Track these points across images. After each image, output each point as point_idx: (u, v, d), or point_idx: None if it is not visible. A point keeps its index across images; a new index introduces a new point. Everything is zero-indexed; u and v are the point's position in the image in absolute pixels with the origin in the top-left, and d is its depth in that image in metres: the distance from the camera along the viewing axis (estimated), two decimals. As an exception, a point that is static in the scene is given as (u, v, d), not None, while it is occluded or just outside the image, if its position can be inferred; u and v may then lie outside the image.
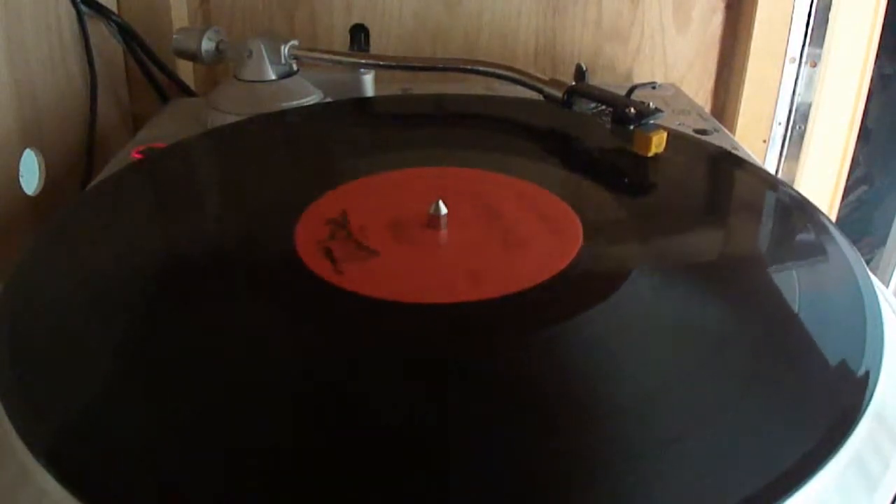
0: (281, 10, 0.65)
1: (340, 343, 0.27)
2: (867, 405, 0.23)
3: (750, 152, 0.47)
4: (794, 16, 0.63)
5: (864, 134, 0.75)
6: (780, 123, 0.67)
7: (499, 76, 0.50)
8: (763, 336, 0.27)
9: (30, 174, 0.48)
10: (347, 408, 0.23)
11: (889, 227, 0.80)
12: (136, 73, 0.61)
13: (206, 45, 0.52)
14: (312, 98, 0.51)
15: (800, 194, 0.37)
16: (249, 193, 0.38)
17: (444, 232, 0.33)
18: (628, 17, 0.66)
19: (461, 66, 0.51)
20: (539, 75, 0.48)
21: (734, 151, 0.45)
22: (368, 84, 0.54)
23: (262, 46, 0.51)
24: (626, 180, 0.39)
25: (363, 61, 0.52)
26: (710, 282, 0.31)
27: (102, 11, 0.57)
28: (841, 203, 0.71)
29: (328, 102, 0.52)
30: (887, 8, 0.63)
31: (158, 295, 0.30)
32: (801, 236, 0.35)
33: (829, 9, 0.63)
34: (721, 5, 0.66)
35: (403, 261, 0.31)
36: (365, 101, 0.53)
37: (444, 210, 0.33)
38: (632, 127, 0.40)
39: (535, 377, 0.25)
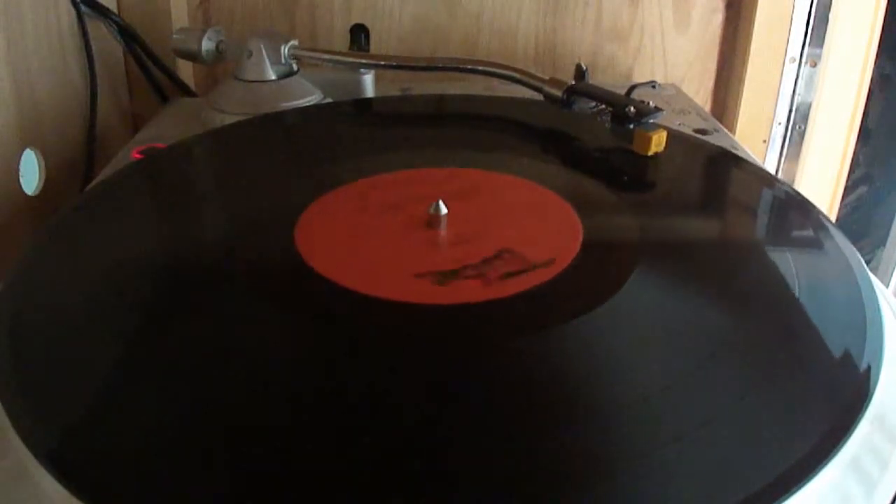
0: (281, 10, 0.65)
1: (341, 342, 0.27)
2: (867, 406, 0.23)
3: (750, 152, 0.47)
4: (794, 16, 0.63)
5: (864, 134, 0.75)
6: (780, 123, 0.67)
7: (499, 76, 0.50)
8: (762, 336, 0.27)
9: (30, 174, 0.48)
10: (348, 407, 0.23)
11: (889, 227, 0.80)
12: (136, 73, 0.61)
13: (206, 45, 0.52)
14: (312, 98, 0.51)
15: (800, 194, 0.37)
16: (249, 194, 0.38)
17: (444, 232, 0.33)
18: (628, 17, 0.66)
19: (461, 66, 0.51)
20: (539, 75, 0.48)
21: (734, 151, 0.45)
22: (368, 84, 0.54)
23: (262, 46, 0.51)
24: (625, 179, 0.39)
25: (363, 61, 0.52)
26: (710, 282, 0.31)
27: (102, 11, 0.57)
28: (841, 203, 0.71)
29: (328, 102, 0.52)
30: (887, 8, 0.63)
31: (158, 295, 0.30)
32: (801, 236, 0.35)
33: (829, 9, 0.63)
34: (721, 5, 0.66)
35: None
36: (365, 102, 0.53)
37: (444, 210, 0.33)
38: (631, 126, 0.40)
39: (534, 377, 0.25)
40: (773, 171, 0.67)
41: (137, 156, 0.43)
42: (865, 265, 0.31)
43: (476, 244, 0.31)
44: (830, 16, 0.63)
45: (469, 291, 0.28)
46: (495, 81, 0.51)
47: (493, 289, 0.28)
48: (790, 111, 0.67)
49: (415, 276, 0.29)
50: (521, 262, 0.29)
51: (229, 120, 0.48)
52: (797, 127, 0.67)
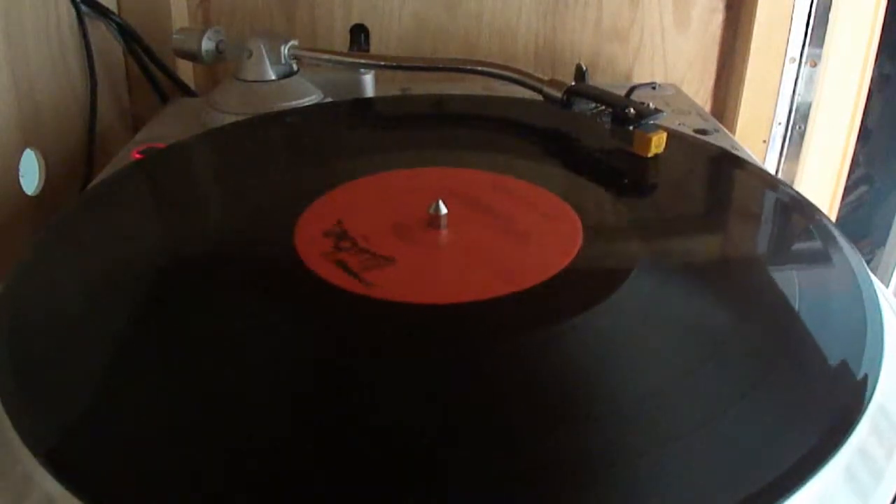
0: (281, 10, 0.65)
1: (340, 343, 0.27)
2: (867, 405, 0.23)
3: (750, 152, 0.47)
4: (794, 16, 0.63)
5: (864, 134, 0.75)
6: (780, 123, 0.67)
7: (499, 76, 0.50)
8: (763, 336, 0.27)
9: (30, 174, 0.48)
10: (347, 408, 0.23)
11: (889, 227, 0.80)
12: (136, 73, 0.61)
13: (206, 45, 0.52)
14: (312, 98, 0.51)
15: (800, 194, 0.37)
16: (249, 194, 0.38)
17: (444, 232, 0.33)
18: (628, 17, 0.66)
19: (461, 66, 0.51)
20: (539, 75, 0.48)
21: (734, 151, 0.45)
22: (368, 84, 0.54)
23: (262, 46, 0.51)
24: (625, 181, 0.39)
25: (363, 61, 0.52)
26: (711, 282, 0.31)
27: (102, 11, 0.57)
28: (841, 203, 0.71)
29: (328, 102, 0.52)
30: (887, 8, 0.63)
31: (158, 295, 0.30)
32: (802, 237, 0.35)
33: (829, 9, 0.63)
34: (721, 5, 0.66)
35: (404, 260, 0.31)
36: (365, 102, 0.53)
37: (444, 210, 0.33)
38: (631, 127, 0.40)
39: (534, 377, 0.25)
40: (773, 171, 0.67)
41: (137, 156, 0.43)
42: (866, 265, 0.31)
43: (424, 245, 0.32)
44: (830, 16, 0.63)
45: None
46: (495, 82, 0.51)
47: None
48: (790, 111, 0.67)
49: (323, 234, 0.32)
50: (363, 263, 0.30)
51: (229, 120, 0.48)
52: (797, 127, 0.67)
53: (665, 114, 0.42)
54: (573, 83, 0.46)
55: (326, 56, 0.52)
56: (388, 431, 0.22)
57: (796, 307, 0.28)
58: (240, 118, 0.48)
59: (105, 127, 0.57)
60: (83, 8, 0.54)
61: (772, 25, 0.63)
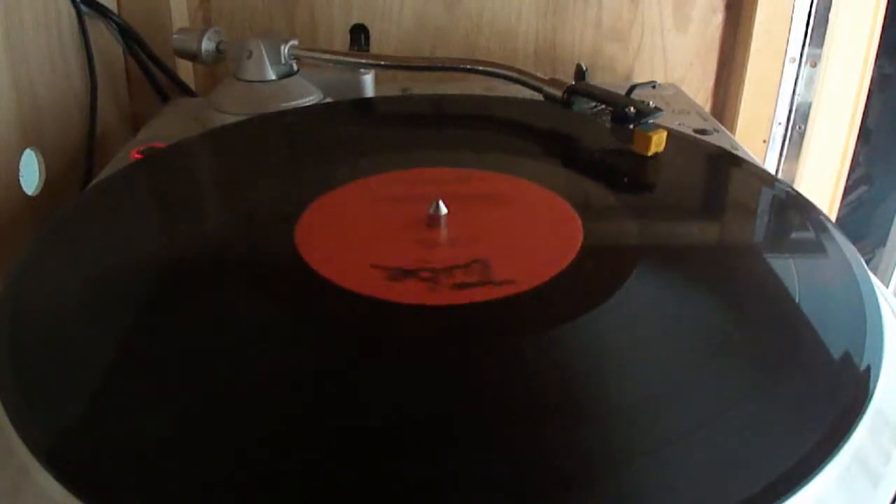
0: (281, 10, 0.65)
1: (341, 343, 0.27)
2: (867, 405, 0.23)
3: (750, 152, 0.47)
4: (794, 16, 0.63)
5: (864, 134, 0.75)
6: (780, 123, 0.67)
7: (499, 76, 0.50)
8: (763, 336, 0.27)
9: (30, 174, 0.48)
10: (347, 407, 0.23)
11: (889, 227, 0.80)
12: (136, 73, 0.61)
13: (206, 45, 0.52)
14: (312, 98, 0.51)
15: (800, 194, 0.37)
16: (249, 193, 0.38)
17: (444, 232, 0.33)
18: (628, 17, 0.66)
19: (461, 66, 0.51)
20: (539, 75, 0.48)
21: (734, 151, 0.45)
22: (368, 84, 0.54)
23: (262, 46, 0.51)
24: (625, 180, 0.39)
25: (363, 61, 0.52)
26: (710, 282, 0.31)
27: (102, 11, 0.57)
28: (841, 203, 0.71)
29: (328, 102, 0.52)
30: (887, 8, 0.63)
31: (158, 295, 0.30)
32: (801, 236, 0.35)
33: (829, 9, 0.63)
34: (721, 5, 0.66)
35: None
36: (365, 102, 0.53)
37: (444, 210, 0.33)
38: (631, 126, 0.40)
39: (534, 378, 0.25)
40: (773, 171, 0.67)
41: (137, 156, 0.43)
42: (865, 265, 0.31)
43: (462, 248, 0.31)
44: (830, 16, 0.63)
45: (414, 293, 0.28)
46: (495, 81, 0.51)
47: (438, 295, 0.28)
48: (790, 111, 0.67)
49: (370, 267, 0.30)
50: (482, 275, 0.29)
51: (229, 120, 0.48)
52: (797, 127, 0.67)
53: (664, 112, 0.42)
54: (573, 82, 0.46)
55: (326, 56, 0.52)
56: (386, 431, 0.22)
57: (795, 307, 0.28)
58: (240, 118, 0.48)
59: (105, 127, 0.57)
60: (83, 8, 0.54)
61: (772, 25, 0.63)
